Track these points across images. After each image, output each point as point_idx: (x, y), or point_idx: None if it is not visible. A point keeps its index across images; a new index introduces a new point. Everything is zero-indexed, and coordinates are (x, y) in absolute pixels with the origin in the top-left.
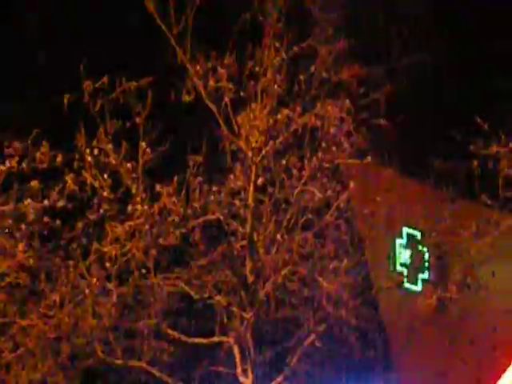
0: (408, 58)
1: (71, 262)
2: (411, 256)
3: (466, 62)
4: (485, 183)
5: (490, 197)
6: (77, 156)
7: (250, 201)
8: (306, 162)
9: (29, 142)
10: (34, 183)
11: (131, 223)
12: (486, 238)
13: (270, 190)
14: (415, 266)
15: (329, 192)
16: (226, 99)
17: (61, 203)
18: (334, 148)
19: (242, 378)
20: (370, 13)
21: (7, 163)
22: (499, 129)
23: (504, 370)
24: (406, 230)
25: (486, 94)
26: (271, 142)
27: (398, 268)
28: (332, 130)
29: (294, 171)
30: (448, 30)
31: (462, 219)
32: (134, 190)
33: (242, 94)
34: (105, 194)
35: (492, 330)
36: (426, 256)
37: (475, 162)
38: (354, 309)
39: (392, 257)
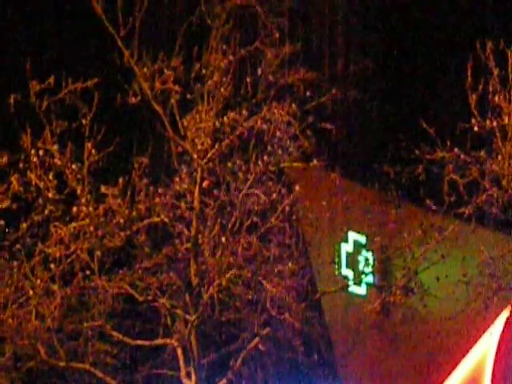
0: (354, 62)
1: (15, 263)
2: (356, 260)
3: (411, 68)
4: (430, 188)
5: (434, 202)
6: (22, 156)
7: (196, 203)
8: (251, 165)
9: None
10: None
11: (76, 224)
12: (431, 242)
13: (215, 192)
14: (360, 270)
15: (274, 195)
16: (173, 101)
17: (5, 204)
18: (279, 151)
19: (185, 381)
20: (317, 17)
21: None
22: (445, 134)
23: (446, 376)
24: (351, 234)
25: (431, 99)
26: (217, 145)
27: (343, 272)
28: (278, 134)
29: (240, 174)
30: (392, 35)
31: (406, 224)
32: (79, 191)
33: (188, 96)
34: (50, 194)
35: (435, 335)
36: (371, 260)
37: (420, 167)
38: (298, 312)
39: (337, 260)
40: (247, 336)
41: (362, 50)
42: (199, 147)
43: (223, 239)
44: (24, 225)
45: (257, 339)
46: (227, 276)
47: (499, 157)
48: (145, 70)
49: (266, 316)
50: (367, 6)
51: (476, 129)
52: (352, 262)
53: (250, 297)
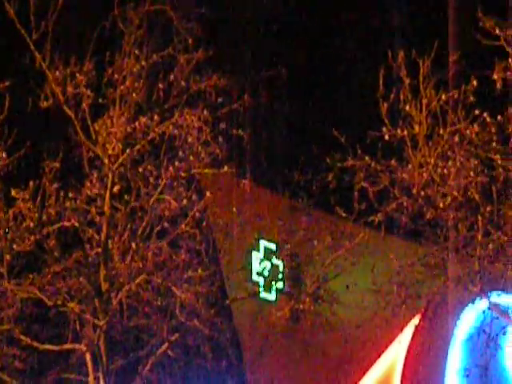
0: (266, 69)
1: None
2: (266, 266)
3: (323, 76)
4: (340, 196)
5: (344, 209)
6: None
7: (106, 208)
8: (162, 170)
9: None
10: None
11: None
12: (340, 250)
13: (126, 197)
14: (270, 277)
15: (185, 201)
16: (84, 106)
17: None
18: (191, 157)
19: None
20: (230, 23)
21: None
22: (355, 142)
23: (356, 383)
24: (261, 241)
25: (342, 107)
26: (128, 150)
27: (254, 278)
28: (189, 140)
29: (151, 179)
30: (304, 42)
31: (316, 231)
32: None
33: (100, 100)
34: None
35: (344, 343)
36: (281, 267)
37: (331, 175)
38: (207, 318)
39: (247, 267)
40: (156, 342)
41: (274, 56)
42: (110, 152)
43: (133, 244)
44: None
45: (166, 345)
46: (137, 281)
47: (409, 165)
48: (57, 74)
49: (175, 322)
50: (279, 13)
51: (387, 137)
52: (262, 269)
53: (159, 303)
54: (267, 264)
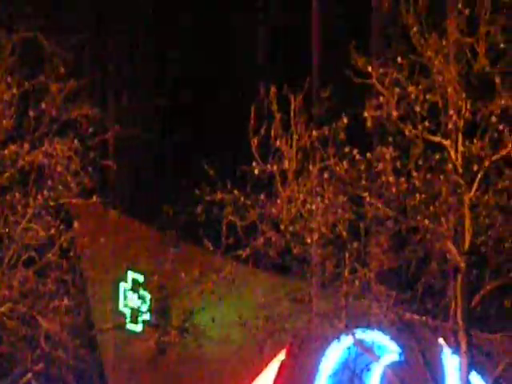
0: (139, 101)
1: None
2: (134, 298)
3: (195, 109)
4: (208, 229)
5: (212, 243)
6: None
7: None
8: (31, 199)
9: None
10: None
11: None
12: (207, 283)
13: None
14: (138, 308)
15: (53, 230)
16: None
17: None
18: (60, 186)
19: None
20: (104, 54)
21: None
22: (225, 175)
23: None
24: (129, 272)
25: (213, 141)
26: None
27: (121, 309)
28: (59, 169)
29: (19, 208)
30: (178, 76)
31: (184, 264)
32: None
33: None
34: None
35: (210, 376)
36: (149, 298)
37: (200, 208)
38: (73, 349)
39: (115, 298)
40: (20, 371)
41: (147, 88)
42: None
43: None
44: None
45: (29, 375)
46: (2, 310)
47: (278, 200)
48: None
49: (40, 352)
50: (149, 45)
51: (256, 172)
52: (130, 300)
53: (24, 332)
54: (134, 295)
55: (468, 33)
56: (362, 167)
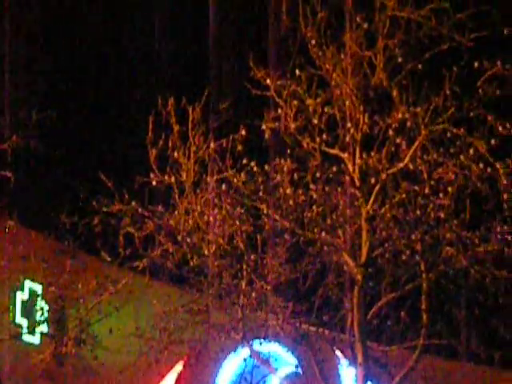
0: (37, 111)
1: None
2: (31, 309)
3: (94, 120)
4: (106, 240)
5: (110, 254)
6: None
7: None
8: None
9: None
10: None
11: None
12: (104, 294)
13: None
14: (35, 319)
15: None
16: None
17: None
18: None
19: None
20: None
21: None
22: (123, 187)
23: None
24: (26, 283)
25: (111, 152)
26: None
27: (17, 320)
28: None
29: None
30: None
31: (81, 274)
32: None
33: None
34: None
35: None
36: (46, 309)
37: (97, 219)
38: None
39: (12, 309)
40: None
41: (44, 98)
42: None
43: None
44: None
45: None
46: None
47: (176, 212)
48: None
49: None
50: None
51: (154, 183)
52: (27, 311)
53: None
54: (32, 306)
55: (366, 46)
56: (260, 179)
